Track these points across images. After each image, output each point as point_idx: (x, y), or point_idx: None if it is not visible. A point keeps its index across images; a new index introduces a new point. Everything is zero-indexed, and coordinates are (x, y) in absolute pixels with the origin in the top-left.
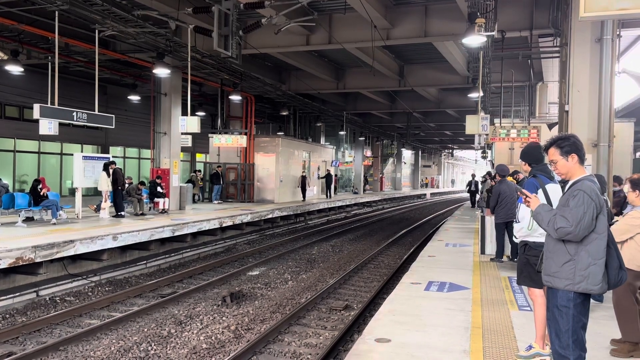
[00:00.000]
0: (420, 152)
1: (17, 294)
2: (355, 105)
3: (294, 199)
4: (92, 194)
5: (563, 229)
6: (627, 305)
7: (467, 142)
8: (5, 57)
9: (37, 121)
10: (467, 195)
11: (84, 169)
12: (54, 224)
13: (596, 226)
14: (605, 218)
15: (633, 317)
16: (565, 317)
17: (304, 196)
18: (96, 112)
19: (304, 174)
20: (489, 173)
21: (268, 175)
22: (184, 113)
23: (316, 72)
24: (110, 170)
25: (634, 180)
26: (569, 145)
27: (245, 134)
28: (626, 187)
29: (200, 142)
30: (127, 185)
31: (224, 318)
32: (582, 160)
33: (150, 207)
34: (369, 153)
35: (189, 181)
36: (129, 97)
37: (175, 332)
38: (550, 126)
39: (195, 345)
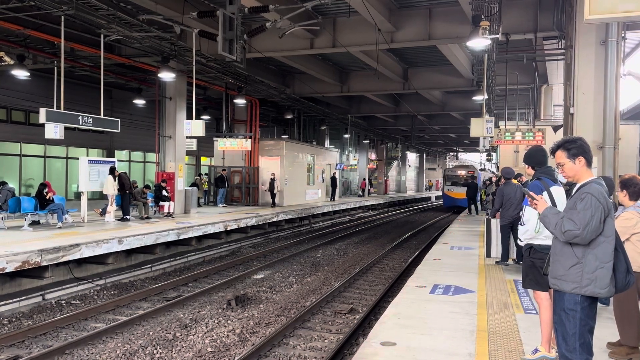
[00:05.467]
0: (424, 154)
1: (23, 297)
2: (359, 108)
3: (298, 202)
4: (98, 197)
5: (570, 232)
6: (628, 310)
7: (472, 144)
8: (12, 62)
9: (43, 125)
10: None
11: (90, 173)
12: (60, 227)
13: (604, 229)
14: (612, 221)
15: (634, 321)
16: (572, 320)
17: (273, 202)
18: (102, 116)
19: (272, 176)
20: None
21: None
22: (189, 117)
23: (320, 75)
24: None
25: (624, 180)
26: (576, 147)
27: (250, 137)
28: None
29: (205, 145)
30: (133, 189)
31: (229, 321)
32: (589, 163)
33: (155, 211)
34: (373, 156)
35: (193, 184)
36: (134, 101)
37: (181, 335)
38: (555, 129)
39: (200, 348)
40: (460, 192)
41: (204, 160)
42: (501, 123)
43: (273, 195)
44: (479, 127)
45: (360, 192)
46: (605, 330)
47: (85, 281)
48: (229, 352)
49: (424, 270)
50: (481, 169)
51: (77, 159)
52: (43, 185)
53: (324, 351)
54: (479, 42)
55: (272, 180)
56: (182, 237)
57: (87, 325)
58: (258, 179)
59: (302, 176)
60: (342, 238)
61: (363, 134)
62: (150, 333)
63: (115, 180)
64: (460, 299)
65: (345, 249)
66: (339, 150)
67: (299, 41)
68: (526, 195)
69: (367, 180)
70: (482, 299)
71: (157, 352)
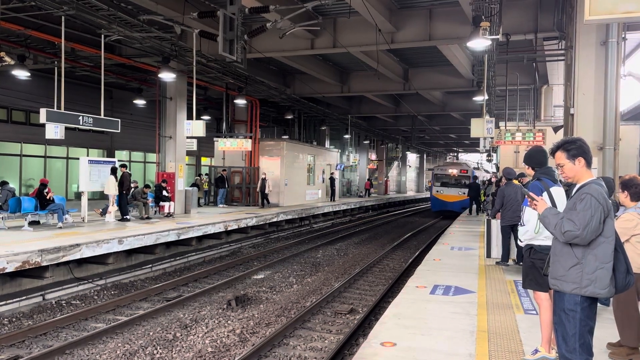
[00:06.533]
0: (425, 155)
1: (24, 297)
2: (359, 109)
3: (298, 203)
4: (98, 197)
5: (570, 233)
6: (628, 311)
7: (472, 145)
8: (12, 62)
9: (43, 125)
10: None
11: (90, 173)
12: (60, 227)
13: (603, 230)
14: (612, 221)
15: (634, 322)
16: (572, 320)
17: (263, 202)
18: (102, 117)
19: (263, 176)
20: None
21: (273, 179)
22: (189, 117)
23: (321, 75)
24: (119, 174)
25: (624, 181)
26: (575, 148)
27: (250, 137)
28: None
29: (205, 145)
30: (132, 189)
31: (229, 322)
32: (589, 163)
33: (155, 211)
34: (373, 156)
35: (193, 185)
36: (134, 102)
37: (181, 335)
38: (556, 129)
39: (200, 349)
40: (451, 195)
41: (204, 161)
42: (501, 123)
43: (264, 196)
44: (479, 127)
45: (361, 193)
46: (605, 331)
47: (86, 281)
48: (229, 352)
49: (424, 271)
50: (475, 168)
51: (78, 159)
52: (43, 185)
53: (324, 351)
54: (480, 43)
55: (263, 181)
56: (182, 237)
57: (87, 325)
58: (258, 179)
59: (302, 176)
60: (343, 238)
61: (363, 134)
62: (151, 333)
63: (117, 180)
64: (461, 299)
65: (346, 249)
66: (339, 151)
67: (299, 41)
68: (526, 196)
69: (369, 180)
70: (482, 300)
71: (157, 352)
